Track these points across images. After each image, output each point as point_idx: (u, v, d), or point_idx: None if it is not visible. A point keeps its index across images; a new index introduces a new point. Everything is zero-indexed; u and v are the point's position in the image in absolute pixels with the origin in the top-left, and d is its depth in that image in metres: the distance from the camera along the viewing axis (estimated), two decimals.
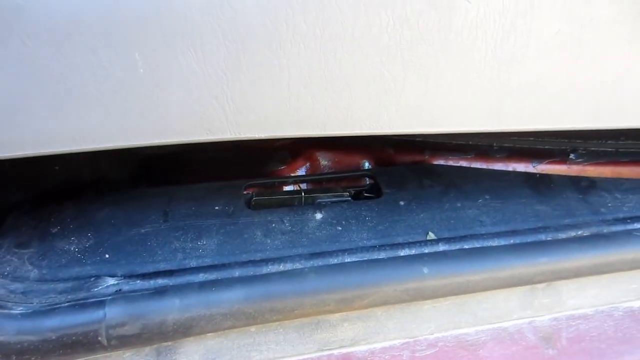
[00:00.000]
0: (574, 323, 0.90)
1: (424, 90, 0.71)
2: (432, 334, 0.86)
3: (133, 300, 0.70)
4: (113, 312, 0.68)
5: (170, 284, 0.75)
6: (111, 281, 0.75)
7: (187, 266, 0.80)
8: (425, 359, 0.84)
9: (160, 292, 0.71)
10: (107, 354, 0.74)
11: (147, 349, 0.76)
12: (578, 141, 1.12)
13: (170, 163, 1.12)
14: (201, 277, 0.77)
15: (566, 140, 1.12)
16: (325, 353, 0.82)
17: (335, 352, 0.82)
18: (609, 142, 1.11)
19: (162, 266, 0.80)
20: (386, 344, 0.84)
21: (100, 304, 0.69)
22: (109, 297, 0.71)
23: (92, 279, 0.75)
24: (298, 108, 0.70)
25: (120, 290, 0.74)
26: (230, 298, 0.71)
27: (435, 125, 0.76)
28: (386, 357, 0.83)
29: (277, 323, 0.79)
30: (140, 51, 0.61)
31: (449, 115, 0.75)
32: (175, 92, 0.65)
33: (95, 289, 0.74)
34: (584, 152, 1.12)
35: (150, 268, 0.80)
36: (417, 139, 1.11)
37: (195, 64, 0.64)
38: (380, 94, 0.70)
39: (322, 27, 0.64)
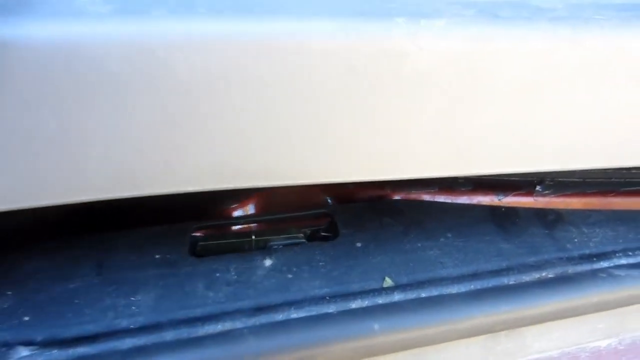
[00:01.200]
0: None
1: (375, 136, 0.65)
2: None
3: None
4: None
5: (92, 352, 0.68)
6: (24, 352, 0.67)
7: (117, 327, 0.73)
8: None
9: None
10: None
11: None
12: (544, 171, 1.07)
13: (109, 205, 1.04)
14: (128, 342, 0.69)
15: (532, 172, 1.07)
16: None
17: None
18: (576, 172, 1.06)
19: (89, 329, 0.72)
20: None
21: None
22: None
23: (4, 348, 0.67)
24: (236, 158, 0.64)
25: None
26: None
27: (392, 172, 0.70)
28: None
29: None
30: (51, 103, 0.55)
31: (405, 161, 0.69)
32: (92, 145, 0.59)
33: None
34: (551, 183, 1.07)
35: (74, 332, 0.72)
36: None
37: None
38: (328, 141, 0.65)
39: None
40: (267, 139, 0.62)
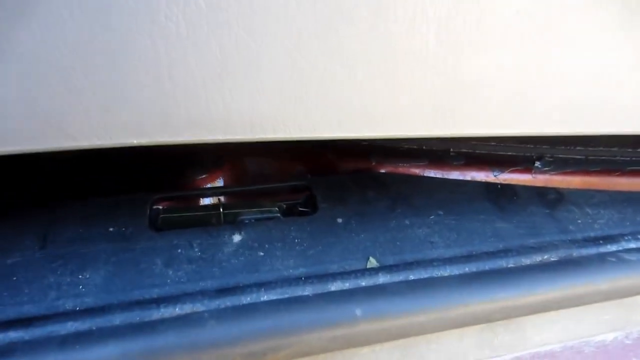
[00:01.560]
0: None
1: (353, 84, 0.55)
2: None
3: None
4: None
5: (26, 338, 0.58)
6: None
7: (59, 309, 0.63)
8: None
9: (5, 351, 0.54)
10: None
11: None
12: (544, 147, 0.98)
13: (59, 172, 0.93)
14: (70, 326, 0.59)
15: (531, 146, 0.98)
16: None
17: None
18: (578, 148, 0.98)
19: (26, 310, 0.62)
20: None
21: None
22: None
23: None
24: (188, 106, 0.54)
25: None
26: (101, 358, 0.54)
27: (372, 128, 0.60)
28: None
29: None
30: None
31: (388, 116, 0.60)
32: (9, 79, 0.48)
33: None
34: (550, 159, 0.98)
35: (9, 313, 0.62)
36: (362, 143, 0.95)
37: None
38: (297, 89, 0.54)
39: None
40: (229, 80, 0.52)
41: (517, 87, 0.59)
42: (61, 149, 0.55)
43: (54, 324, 0.60)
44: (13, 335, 0.58)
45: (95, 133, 0.54)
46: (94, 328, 0.60)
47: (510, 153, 0.98)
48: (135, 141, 0.55)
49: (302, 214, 0.87)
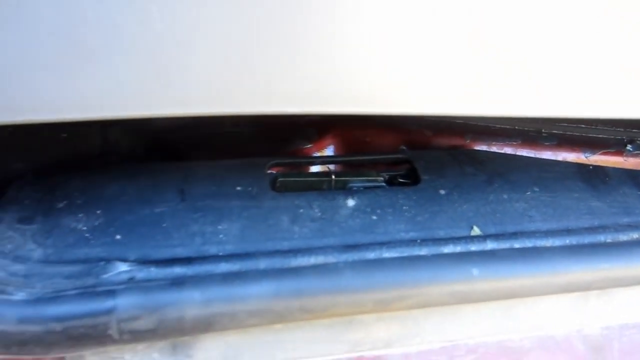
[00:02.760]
0: (627, 333, 0.81)
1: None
2: (472, 339, 0.78)
3: (147, 291, 0.62)
4: (125, 304, 0.61)
5: (189, 273, 0.67)
6: (123, 267, 0.67)
7: (207, 253, 0.72)
8: None
9: (177, 283, 0.63)
10: (118, 347, 0.66)
11: (162, 342, 0.69)
12: (635, 131, 1.01)
13: (185, 136, 1.02)
14: (223, 267, 0.69)
15: (622, 130, 1.01)
16: (355, 354, 0.74)
17: (367, 353, 0.75)
18: None
19: (179, 252, 0.72)
20: (422, 347, 0.76)
21: (111, 293, 0.61)
22: (121, 286, 0.63)
23: (102, 263, 0.67)
24: (344, 80, 0.60)
25: (132, 278, 0.66)
26: (258, 293, 0.63)
27: (480, 107, 0.66)
28: None
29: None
30: (157, 1, 0.51)
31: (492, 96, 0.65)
32: (199, 55, 0.56)
33: (105, 275, 0.66)
34: None
35: (166, 253, 0.71)
36: (458, 121, 1.01)
37: (225, 20, 0.54)
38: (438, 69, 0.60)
39: None
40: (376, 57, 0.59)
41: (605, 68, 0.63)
42: (226, 114, 0.63)
43: (210, 264, 0.69)
44: (178, 270, 0.68)
45: (258, 101, 0.61)
46: (244, 270, 0.69)
47: (601, 136, 1.01)
48: (290, 110, 0.62)
49: (402, 184, 0.93)
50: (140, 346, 0.68)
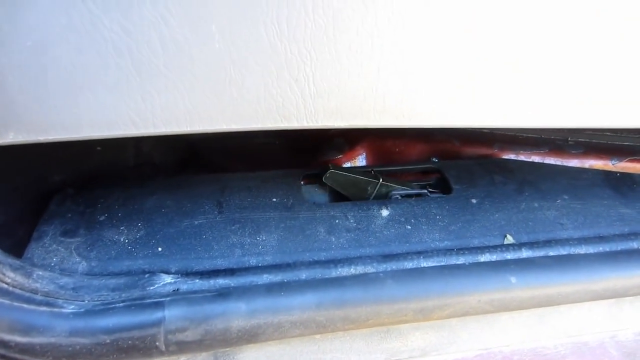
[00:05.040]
0: None
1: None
2: (508, 346, 0.78)
3: (194, 303, 0.63)
4: (173, 316, 0.62)
5: (232, 284, 0.68)
6: (167, 279, 0.68)
7: (248, 264, 0.73)
8: None
9: (223, 294, 0.64)
10: (163, 358, 0.67)
11: (204, 354, 0.70)
12: None
13: (218, 148, 1.04)
14: (265, 278, 0.70)
15: None
16: None
17: None
18: None
19: (220, 263, 0.73)
20: (458, 355, 0.77)
21: (159, 305, 0.63)
22: (168, 298, 0.64)
23: (147, 275, 0.69)
24: (385, 95, 0.62)
25: (178, 290, 0.68)
26: (302, 304, 0.64)
27: (517, 119, 0.67)
28: None
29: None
30: (218, 22, 0.53)
31: (524, 110, 0.66)
32: (252, 72, 0.57)
33: (151, 288, 0.67)
34: None
35: (208, 265, 0.73)
36: (485, 131, 1.02)
37: (278, 39, 0.55)
38: (470, 85, 0.62)
39: (426, 2, 0.56)
40: (423, 74, 0.60)
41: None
42: (275, 128, 0.64)
43: (252, 275, 0.70)
44: (221, 281, 0.69)
45: (306, 116, 0.63)
46: (286, 280, 0.70)
47: (627, 143, 1.02)
48: (336, 124, 0.63)
49: (434, 194, 0.94)
50: (183, 357, 0.69)
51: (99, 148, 0.93)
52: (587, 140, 1.02)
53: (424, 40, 0.58)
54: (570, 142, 1.02)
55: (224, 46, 0.54)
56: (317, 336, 0.72)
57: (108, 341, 0.61)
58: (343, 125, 0.64)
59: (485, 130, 1.02)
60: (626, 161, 1.02)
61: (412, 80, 0.61)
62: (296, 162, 1.00)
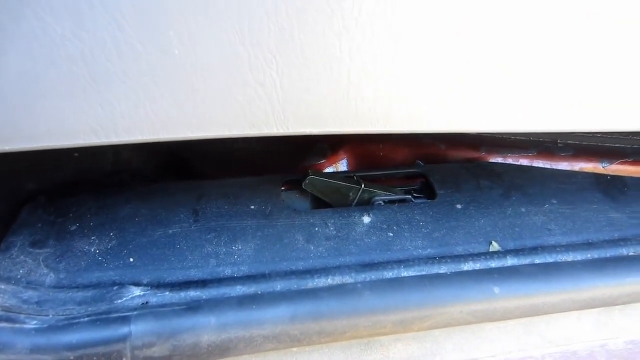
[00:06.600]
0: None
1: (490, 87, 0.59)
2: (493, 357, 0.76)
3: (162, 317, 0.61)
4: (139, 330, 0.59)
5: (204, 297, 0.66)
6: (136, 291, 0.66)
7: (222, 275, 0.71)
8: None
9: (193, 307, 0.62)
10: None
11: None
12: None
13: (197, 154, 1.02)
14: (238, 289, 0.67)
15: (639, 138, 0.99)
16: None
17: None
18: None
19: (194, 274, 0.71)
20: None
21: (125, 320, 0.60)
22: (135, 312, 0.61)
23: (115, 287, 0.66)
24: (357, 100, 0.59)
25: (146, 303, 0.65)
26: (274, 317, 0.62)
27: (504, 124, 0.64)
28: None
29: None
30: (176, 28, 0.51)
31: (513, 114, 0.63)
32: (215, 78, 0.55)
33: (119, 301, 0.65)
34: None
35: (180, 276, 0.70)
36: (471, 134, 0.99)
37: (240, 44, 0.53)
38: (449, 88, 0.59)
39: (393, 4, 0.53)
40: (395, 78, 0.58)
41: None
42: (243, 135, 0.62)
43: (225, 286, 0.68)
44: (192, 294, 0.67)
45: (275, 123, 0.60)
46: (260, 292, 0.67)
47: (618, 145, 0.99)
48: (308, 131, 0.61)
49: (418, 199, 0.92)
50: None
51: (76, 154, 0.91)
52: (577, 142, 1.00)
53: (399, 42, 0.56)
54: (559, 145, 0.99)
55: (184, 52, 0.51)
56: (294, 349, 0.70)
57: (72, 358, 0.59)
58: (316, 131, 0.61)
59: (471, 133, 0.99)
60: (617, 163, 0.99)
61: (387, 85, 0.58)
62: (279, 167, 0.98)
